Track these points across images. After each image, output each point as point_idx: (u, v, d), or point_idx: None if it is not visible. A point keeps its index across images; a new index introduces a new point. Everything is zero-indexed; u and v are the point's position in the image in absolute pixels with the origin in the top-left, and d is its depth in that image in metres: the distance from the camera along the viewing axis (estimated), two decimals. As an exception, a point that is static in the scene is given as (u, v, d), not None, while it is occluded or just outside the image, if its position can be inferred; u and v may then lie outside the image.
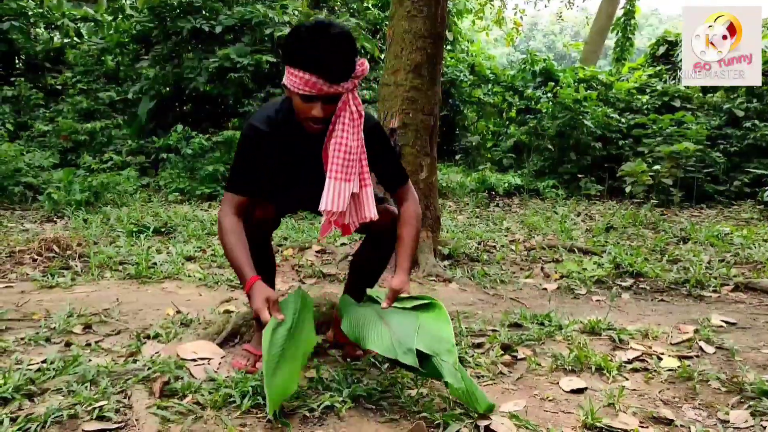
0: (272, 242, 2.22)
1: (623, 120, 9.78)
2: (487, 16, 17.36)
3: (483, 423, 1.73)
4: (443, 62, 4.86)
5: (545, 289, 3.74)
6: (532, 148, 10.30)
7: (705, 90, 10.23)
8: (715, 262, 4.35)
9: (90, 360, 2.12)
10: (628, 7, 16.06)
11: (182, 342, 2.37)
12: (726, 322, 2.96)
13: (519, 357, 2.36)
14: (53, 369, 1.99)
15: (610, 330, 2.70)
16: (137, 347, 2.30)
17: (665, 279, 3.90)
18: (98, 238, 4.56)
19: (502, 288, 3.71)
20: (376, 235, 2.18)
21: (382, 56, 9.06)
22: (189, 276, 3.63)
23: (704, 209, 8.12)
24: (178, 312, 2.84)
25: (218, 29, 8.56)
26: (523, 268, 4.35)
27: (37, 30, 10.57)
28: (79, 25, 10.75)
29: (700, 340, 2.61)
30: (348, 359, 2.21)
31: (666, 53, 11.87)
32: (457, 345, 2.40)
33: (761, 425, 1.81)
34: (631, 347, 2.50)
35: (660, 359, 2.35)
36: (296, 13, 9.34)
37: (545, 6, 20.02)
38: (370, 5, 11.89)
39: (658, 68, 11.28)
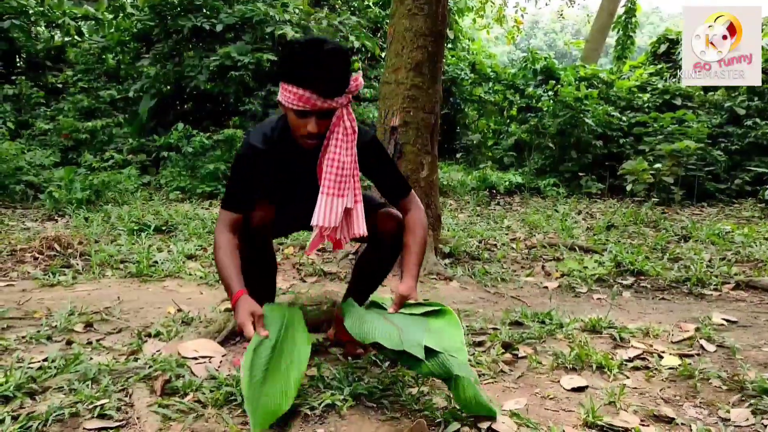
0: (272, 242, 2.20)
1: (624, 118, 9.78)
2: (488, 14, 17.34)
3: (484, 424, 1.73)
4: (444, 60, 4.85)
5: (546, 287, 3.74)
6: (533, 146, 10.30)
7: (706, 88, 10.23)
8: (716, 260, 4.35)
9: (91, 358, 2.12)
10: (629, 5, 16.06)
11: (183, 340, 2.37)
12: (727, 321, 2.96)
13: (520, 355, 2.36)
14: (54, 367, 1.99)
15: (611, 328, 2.70)
16: (138, 345, 2.30)
17: (666, 277, 3.90)
18: (99, 237, 4.56)
19: (503, 286, 3.71)
20: (381, 240, 2.18)
21: (383, 54, 9.06)
22: (190, 274, 3.64)
23: (705, 207, 8.11)
24: (179, 310, 2.84)
25: (219, 27, 8.56)
26: (524, 266, 4.35)
27: (38, 28, 10.56)
28: (80, 23, 10.74)
29: (701, 339, 2.61)
30: (349, 357, 2.21)
31: (667, 51, 11.87)
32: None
33: (762, 423, 1.81)
34: (632, 345, 2.50)
35: (661, 357, 2.36)
36: (297, 11, 9.33)
37: (546, 4, 19.98)
38: (370, 3, 11.89)
39: (659, 66, 11.28)
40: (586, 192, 8.92)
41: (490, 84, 11.95)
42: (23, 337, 2.36)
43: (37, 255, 3.90)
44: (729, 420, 1.84)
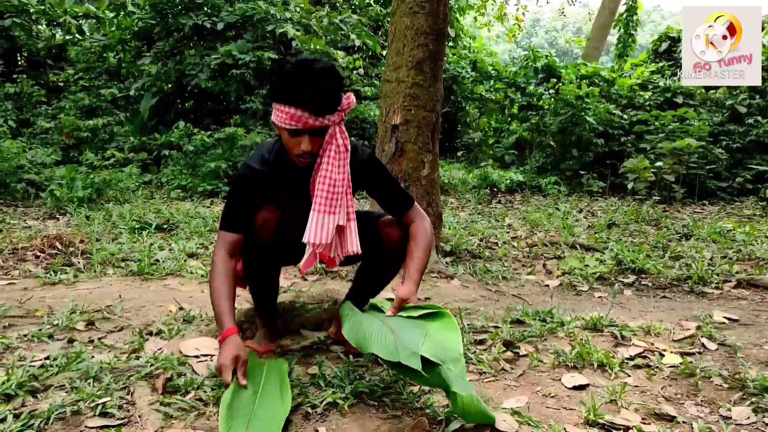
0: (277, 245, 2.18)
1: (625, 116, 9.77)
2: (489, 12, 17.33)
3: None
4: (445, 59, 4.85)
5: (547, 285, 3.74)
6: (534, 144, 10.29)
7: (707, 86, 10.21)
8: (718, 258, 4.35)
9: (93, 356, 2.12)
10: (631, 3, 16.04)
11: (185, 338, 2.37)
12: (728, 319, 2.96)
13: (521, 353, 2.36)
14: (56, 365, 1.99)
15: (612, 326, 2.70)
16: (140, 344, 2.31)
17: (667, 275, 3.90)
18: (100, 235, 4.57)
19: (504, 284, 3.71)
20: (385, 249, 2.18)
21: (384, 53, 9.06)
22: (191, 273, 3.64)
23: (706, 206, 8.11)
24: (181, 309, 2.85)
25: (220, 26, 8.56)
26: (525, 264, 4.35)
27: (39, 27, 10.55)
28: (80, 21, 10.74)
29: (702, 337, 2.61)
30: (350, 356, 2.21)
31: (668, 49, 11.86)
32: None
33: (763, 421, 1.81)
34: (633, 344, 2.50)
35: (662, 356, 2.36)
36: (298, 9, 9.32)
37: (547, 2, 19.95)
38: (371, 1, 11.89)
39: (661, 64, 11.26)
40: (588, 190, 8.91)
41: (491, 82, 11.94)
42: (25, 336, 2.36)
43: (38, 253, 3.90)
44: (730, 418, 1.84)
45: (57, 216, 5.53)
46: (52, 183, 6.12)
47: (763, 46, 8.72)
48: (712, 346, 2.52)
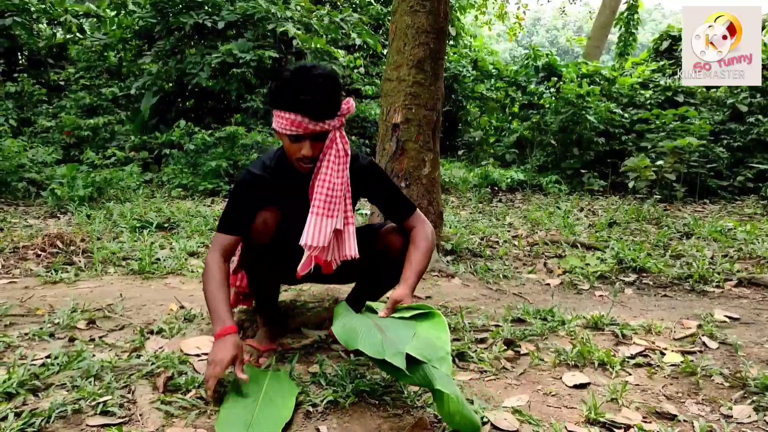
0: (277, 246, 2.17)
1: (626, 115, 9.76)
2: (490, 11, 17.33)
3: (490, 416, 1.73)
4: (446, 57, 4.85)
5: (548, 284, 3.74)
6: (534, 143, 10.29)
7: (708, 85, 10.21)
8: (719, 257, 4.35)
9: (94, 355, 2.12)
10: (632, 2, 16.02)
11: (185, 337, 2.38)
12: (729, 318, 2.96)
13: (522, 352, 2.36)
14: (57, 364, 1.99)
15: (613, 325, 2.70)
16: (141, 342, 2.31)
17: (668, 274, 3.89)
18: (101, 234, 4.57)
19: (505, 283, 3.71)
20: (387, 253, 2.19)
21: (385, 51, 9.06)
22: (192, 271, 3.64)
23: (707, 204, 8.10)
24: (182, 307, 2.85)
25: (221, 24, 8.56)
26: (526, 263, 4.34)
27: (40, 26, 10.55)
28: (81, 20, 10.74)
29: (703, 336, 2.61)
30: (351, 354, 2.21)
31: (669, 48, 11.85)
32: (459, 340, 2.42)
33: (764, 420, 1.81)
34: (634, 342, 2.50)
35: (663, 354, 2.36)
36: (299, 8, 9.32)
37: (548, 1, 19.96)
38: (372, 0, 11.88)
39: (662, 63, 11.26)
40: (588, 189, 8.91)
41: (492, 81, 11.94)
42: (26, 334, 2.37)
43: (39, 252, 3.90)
44: (731, 417, 1.84)
45: (58, 215, 5.53)
46: (53, 182, 6.12)
47: (764, 45, 8.73)
48: (713, 344, 2.52)
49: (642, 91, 10.36)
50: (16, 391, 1.78)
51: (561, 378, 2.11)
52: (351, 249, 2.07)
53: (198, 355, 2.18)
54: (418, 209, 2.24)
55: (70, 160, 7.69)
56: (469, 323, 2.67)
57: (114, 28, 9.96)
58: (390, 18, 4.42)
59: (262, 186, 2.04)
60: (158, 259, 3.84)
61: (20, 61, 10.35)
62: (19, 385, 1.80)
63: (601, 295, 3.49)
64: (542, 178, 9.22)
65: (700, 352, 2.44)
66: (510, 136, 11.06)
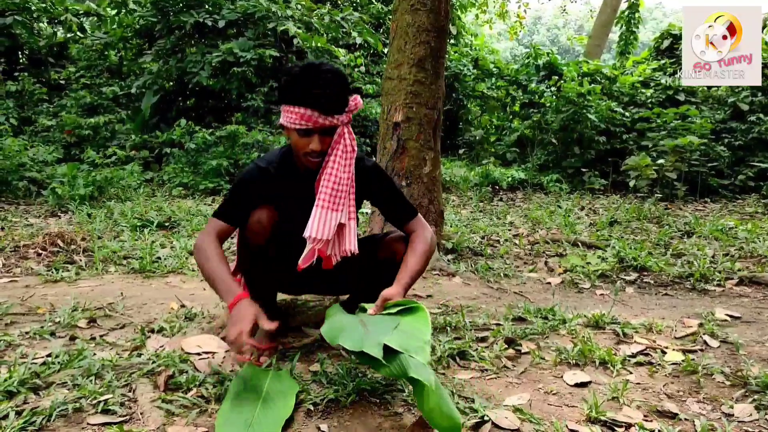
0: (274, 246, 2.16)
1: (627, 114, 9.75)
2: (491, 10, 17.32)
3: (487, 421, 1.73)
4: (447, 56, 4.84)
5: (549, 283, 3.73)
6: (535, 142, 10.28)
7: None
8: (720, 256, 4.34)
9: (95, 354, 2.12)
10: (632, 0, 15.99)
11: (186, 336, 2.37)
12: (730, 316, 2.95)
13: (523, 351, 2.35)
14: (58, 363, 1.99)
15: (614, 324, 2.69)
16: (141, 341, 2.31)
17: (669, 273, 3.89)
18: (102, 233, 4.57)
19: (506, 282, 3.71)
20: (389, 260, 2.19)
21: (386, 50, 9.04)
22: (193, 270, 3.64)
23: (708, 203, 8.09)
24: (182, 306, 2.85)
25: (221, 23, 8.55)
26: (526, 262, 4.34)
27: (40, 25, 10.56)
28: (82, 19, 10.74)
29: (704, 334, 2.61)
30: (351, 354, 2.20)
31: (670, 47, 11.83)
32: (460, 339, 2.42)
33: (766, 419, 1.81)
34: (635, 341, 2.50)
35: (664, 353, 2.35)
36: (299, 7, 9.31)
37: (549, -1, 19.95)
38: (373, -1, 11.87)
39: (663, 62, 11.24)
40: (589, 188, 8.90)
41: (493, 80, 11.93)
42: (27, 333, 2.37)
43: (40, 251, 3.90)
44: (732, 415, 1.84)
45: (59, 214, 5.53)
46: (53, 181, 6.13)
47: (765, 43, 8.71)
48: (714, 343, 2.52)
49: (643, 90, 10.35)
50: (17, 390, 1.77)
51: (562, 377, 2.11)
52: (351, 244, 2.08)
53: (199, 354, 2.18)
54: (419, 214, 2.25)
55: (70, 159, 7.70)
56: (470, 322, 2.67)
57: (114, 26, 9.96)
58: (391, 17, 4.41)
59: (266, 180, 2.05)
60: (159, 258, 3.84)
61: (21, 60, 10.36)
62: (20, 383, 1.80)
63: (602, 294, 3.48)
64: (543, 176, 9.21)
65: (701, 350, 2.44)
66: (511, 134, 11.05)
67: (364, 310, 2.02)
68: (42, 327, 2.43)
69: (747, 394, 1.99)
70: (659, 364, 2.24)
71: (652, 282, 3.79)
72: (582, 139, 9.56)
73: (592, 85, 10.02)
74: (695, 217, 6.29)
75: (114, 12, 9.82)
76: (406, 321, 1.82)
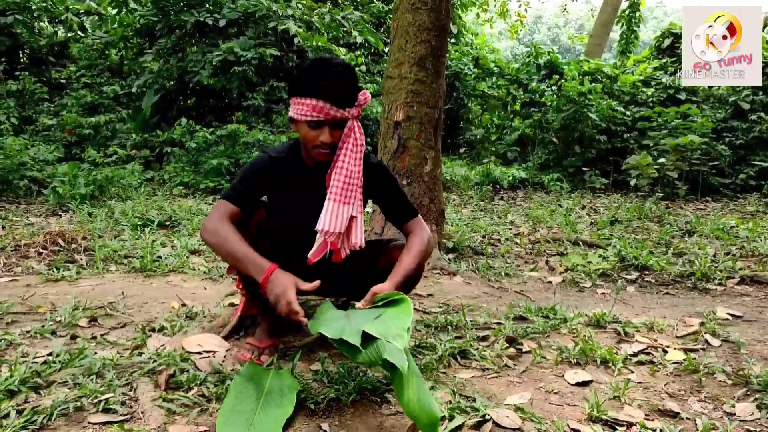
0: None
1: (628, 113, 9.74)
2: (491, 9, 17.31)
3: (488, 420, 1.73)
4: (447, 55, 4.84)
5: (550, 282, 3.73)
6: (536, 141, 10.27)
7: (709, 84, 10.19)
8: (721, 255, 4.34)
9: (95, 353, 2.12)
10: (633, -1, 15.98)
11: (187, 335, 2.37)
12: (732, 315, 2.95)
13: (524, 350, 2.35)
14: (59, 362, 1.99)
15: (615, 323, 2.69)
16: (142, 340, 2.31)
17: (670, 272, 3.89)
18: (103, 232, 4.57)
19: (507, 281, 3.71)
20: (387, 271, 2.16)
21: (386, 49, 9.05)
22: (194, 269, 3.64)
23: (709, 202, 8.09)
24: (183, 305, 2.85)
25: (222, 22, 8.55)
26: (527, 261, 4.34)
27: (41, 24, 10.56)
28: (82, 18, 10.74)
29: (705, 333, 2.60)
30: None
31: (671, 46, 11.81)
32: (461, 338, 2.42)
33: (767, 418, 1.81)
34: (636, 340, 2.50)
35: (665, 352, 2.35)
36: (300, 6, 9.31)
37: (550, -2, 19.95)
38: (373, -2, 11.86)
39: (663, 61, 11.23)
40: (590, 187, 8.90)
41: (494, 79, 11.92)
42: (28, 332, 2.37)
43: (41, 250, 3.90)
44: (734, 414, 1.84)
45: (59, 213, 5.53)
46: (54, 180, 6.12)
47: (766, 42, 8.70)
48: (715, 342, 2.52)
49: (644, 89, 10.33)
50: (18, 389, 1.77)
51: (563, 376, 2.11)
52: (358, 238, 2.08)
53: (199, 353, 2.18)
54: (420, 215, 2.25)
55: (71, 158, 7.69)
56: (471, 321, 2.66)
57: (115, 26, 9.96)
58: (391, 15, 4.41)
59: (276, 171, 2.06)
60: (160, 257, 3.84)
61: (21, 60, 10.35)
62: (20, 382, 1.80)
63: (603, 293, 3.48)
64: (544, 176, 9.21)
65: (703, 349, 2.43)
66: (511, 134, 11.04)
67: (354, 307, 2.01)
68: (43, 326, 2.43)
69: (748, 393, 1.99)
70: (661, 363, 2.24)
71: (653, 281, 3.79)
72: (583, 138, 9.55)
73: (593, 84, 10.01)
74: (696, 216, 6.29)
75: (115, 11, 9.82)
76: (390, 312, 1.80)
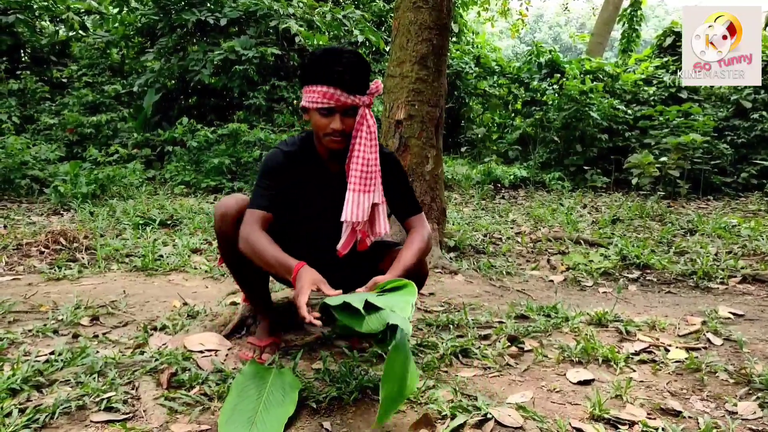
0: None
1: (630, 111, 9.73)
2: (492, 8, 17.29)
3: (490, 418, 1.73)
4: (449, 54, 4.84)
5: (551, 281, 3.73)
6: (537, 140, 10.26)
7: (709, 84, 10.17)
8: (723, 253, 4.33)
9: (97, 351, 2.13)
10: (635, -2, 15.96)
11: (189, 334, 2.38)
12: (733, 314, 2.95)
13: (526, 349, 2.35)
14: (61, 360, 2.00)
15: (617, 322, 2.69)
16: (144, 339, 2.31)
17: (672, 271, 3.88)
18: (104, 231, 4.57)
19: (509, 280, 3.70)
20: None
21: (388, 48, 9.04)
22: (195, 268, 3.64)
23: (711, 201, 8.08)
24: (185, 304, 2.85)
25: (223, 21, 8.55)
26: (529, 260, 4.34)
27: (42, 23, 10.56)
28: (84, 17, 10.74)
29: (707, 332, 2.60)
30: (354, 351, 2.21)
31: (673, 44, 11.78)
32: (463, 336, 2.42)
33: (770, 417, 1.81)
34: (638, 339, 2.50)
35: (667, 351, 2.35)
36: (301, 5, 9.31)
37: (551, -3, 19.91)
38: (374, -3, 11.86)
39: (665, 59, 11.21)
40: (592, 186, 8.89)
41: (495, 77, 11.90)
42: (30, 331, 2.37)
43: (42, 249, 3.91)
44: (736, 413, 1.83)
45: (61, 212, 5.54)
46: (56, 179, 6.13)
47: (764, 37, 8.68)
48: (717, 341, 2.52)
49: (645, 88, 10.32)
50: (20, 388, 1.78)
51: (565, 374, 2.11)
52: (382, 227, 2.10)
53: (201, 352, 2.18)
54: (423, 213, 2.24)
55: (73, 157, 7.70)
56: (472, 320, 2.66)
57: (116, 25, 9.96)
58: (392, 14, 4.41)
59: (291, 164, 2.05)
60: (161, 256, 3.85)
61: (23, 59, 10.35)
62: (23, 381, 1.80)
63: (604, 292, 3.48)
64: (545, 174, 9.20)
65: (705, 348, 2.43)
66: (513, 132, 11.02)
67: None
68: (45, 325, 2.44)
69: (751, 391, 1.98)
70: (662, 362, 2.23)
71: (654, 280, 3.79)
72: (584, 137, 9.54)
73: (595, 82, 9.99)
74: (698, 214, 6.28)
75: (116, 10, 9.82)
76: (395, 293, 1.79)
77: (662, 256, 4.27)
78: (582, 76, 10.47)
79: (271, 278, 2.31)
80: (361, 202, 2.01)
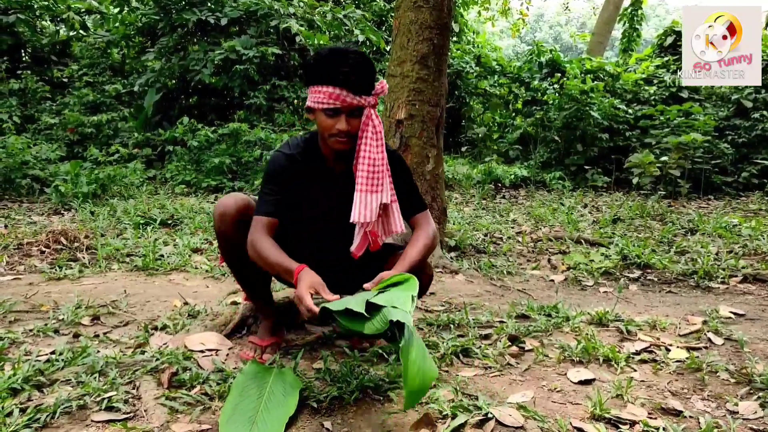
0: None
1: (630, 111, 9.73)
2: (493, 7, 17.28)
3: (491, 418, 1.73)
4: (449, 53, 4.83)
5: (552, 280, 3.73)
6: (538, 139, 10.26)
7: (709, 84, 10.17)
8: (723, 253, 4.33)
9: (98, 351, 2.13)
10: (635, -3, 15.94)
11: (190, 333, 2.38)
12: (734, 314, 2.95)
13: (526, 348, 2.35)
14: (62, 360, 2.00)
15: (617, 321, 2.69)
16: (145, 338, 2.31)
17: (673, 270, 3.88)
18: (105, 230, 4.58)
19: (509, 279, 3.70)
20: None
21: (388, 48, 9.03)
22: (196, 268, 3.64)
23: (712, 200, 8.08)
24: (186, 303, 2.85)
25: (224, 21, 8.55)
26: (529, 259, 4.34)
27: (43, 23, 10.57)
28: (84, 17, 10.75)
29: (708, 332, 2.60)
30: (355, 350, 2.21)
31: (673, 44, 11.77)
32: (464, 336, 2.42)
33: (771, 416, 1.80)
34: (639, 338, 2.50)
35: (668, 350, 2.35)
36: (302, 4, 9.30)
37: (551, -4, 19.90)
38: (375, -4, 11.85)
39: (666, 59, 11.20)
40: (592, 185, 8.89)
41: (496, 77, 11.90)
42: (30, 330, 2.37)
43: (43, 249, 3.91)
44: (737, 413, 1.83)
45: (62, 211, 5.54)
46: (56, 179, 6.14)
47: (764, 36, 8.67)
48: (718, 340, 2.51)
49: (646, 87, 10.31)
50: (21, 387, 1.78)
51: (566, 374, 2.10)
52: (397, 225, 2.09)
53: (202, 351, 2.18)
54: (428, 210, 2.24)
55: (73, 157, 7.71)
56: (473, 319, 2.66)
57: (117, 25, 9.96)
58: (393, 14, 4.40)
59: (294, 166, 2.05)
60: (162, 256, 3.85)
61: (24, 58, 10.36)
62: (24, 380, 1.80)
63: (605, 292, 3.48)
64: (546, 174, 9.20)
65: (706, 348, 2.43)
66: (513, 132, 11.02)
67: (363, 290, 2.01)
68: (46, 324, 2.44)
69: (751, 391, 1.98)
70: (663, 362, 2.23)
71: (655, 279, 3.79)
72: (585, 137, 9.54)
73: (595, 82, 9.99)
74: (699, 214, 6.28)
75: (116, 10, 9.82)
76: (396, 288, 1.79)
77: (663, 255, 4.26)
78: (583, 75, 10.47)
79: (271, 278, 2.31)
80: (369, 202, 2.00)
